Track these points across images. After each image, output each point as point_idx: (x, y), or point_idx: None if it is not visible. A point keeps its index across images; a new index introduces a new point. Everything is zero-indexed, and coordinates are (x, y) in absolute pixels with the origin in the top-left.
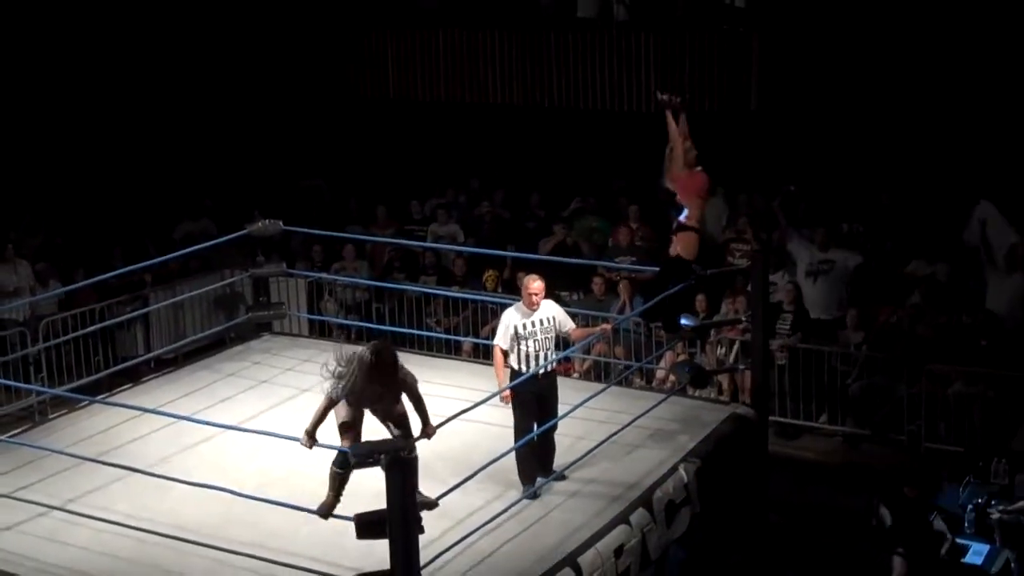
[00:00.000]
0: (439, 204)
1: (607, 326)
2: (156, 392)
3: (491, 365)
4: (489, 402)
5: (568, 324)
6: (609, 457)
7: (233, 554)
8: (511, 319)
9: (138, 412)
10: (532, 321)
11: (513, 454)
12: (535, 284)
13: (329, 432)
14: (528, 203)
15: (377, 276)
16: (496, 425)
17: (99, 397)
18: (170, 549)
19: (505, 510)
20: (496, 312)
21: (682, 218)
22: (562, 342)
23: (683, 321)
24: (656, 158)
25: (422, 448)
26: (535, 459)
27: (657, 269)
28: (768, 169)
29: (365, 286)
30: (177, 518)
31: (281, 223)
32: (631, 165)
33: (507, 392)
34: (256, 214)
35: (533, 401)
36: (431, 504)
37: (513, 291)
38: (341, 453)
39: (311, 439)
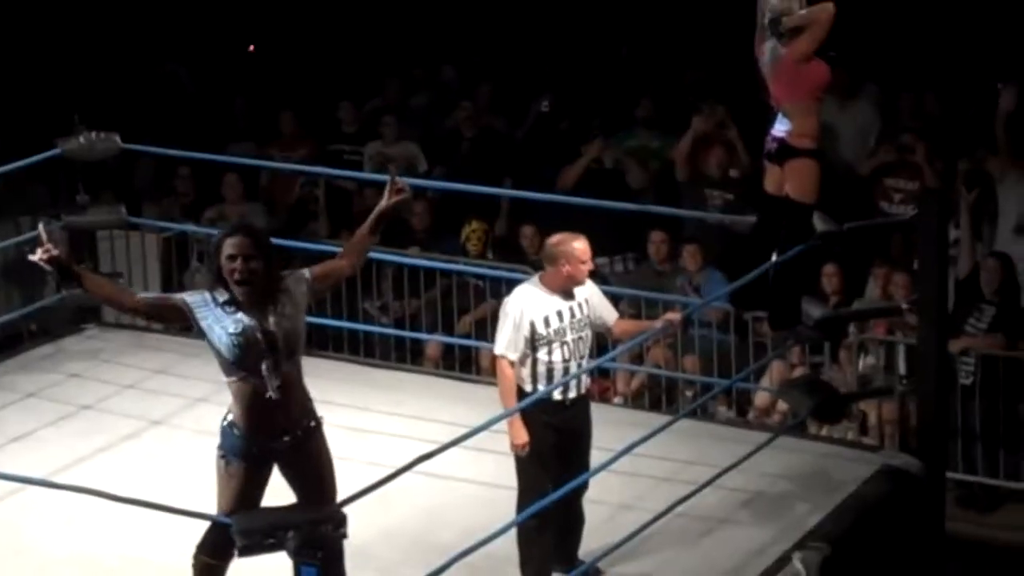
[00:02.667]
0: (384, 108)
1: (674, 316)
2: None
3: (470, 380)
4: (471, 444)
5: (608, 312)
6: (675, 540)
7: None
8: (525, 307)
9: None
10: (560, 310)
11: (513, 532)
12: (587, 247)
13: (197, 490)
14: (534, 106)
15: (281, 229)
16: (479, 483)
17: None
18: None
19: None
20: (482, 292)
21: (780, 132)
22: (595, 344)
23: (804, 312)
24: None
25: (357, 519)
26: (550, 541)
27: (754, 220)
28: (958, 52)
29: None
30: None
31: (118, 137)
32: (715, 47)
33: (523, 433)
34: (76, 122)
35: (554, 445)
36: None
37: (511, 256)
38: (213, 527)
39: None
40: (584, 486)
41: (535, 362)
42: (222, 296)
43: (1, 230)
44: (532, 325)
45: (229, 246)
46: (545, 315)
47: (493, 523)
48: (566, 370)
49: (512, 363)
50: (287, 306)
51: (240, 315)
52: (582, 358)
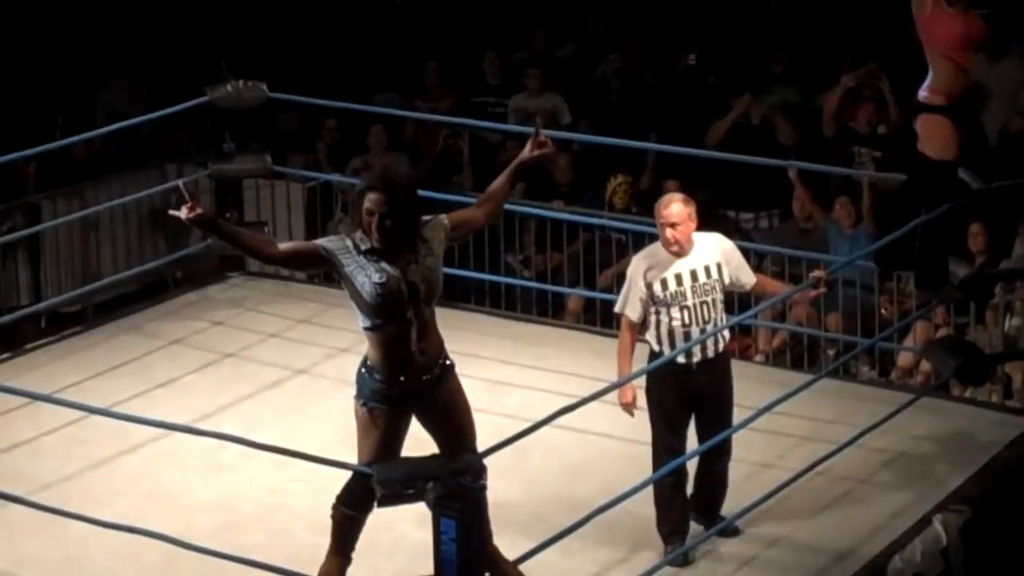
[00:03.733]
0: (528, 59)
1: (820, 273)
2: (50, 368)
3: (611, 335)
4: (611, 399)
5: (746, 275)
6: (814, 500)
7: None
8: (644, 269)
9: (21, 400)
10: (679, 273)
11: (650, 491)
12: (672, 209)
13: (338, 440)
14: (681, 60)
15: (425, 180)
16: (619, 439)
17: None
18: None
19: None
20: (624, 246)
21: (922, 91)
22: (736, 303)
23: (950, 271)
24: None
25: (496, 472)
26: (687, 500)
27: (904, 177)
28: None
29: None
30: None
31: (265, 86)
32: None
33: (628, 392)
34: (223, 70)
35: (683, 406)
36: (507, 573)
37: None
38: (354, 479)
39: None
40: (724, 448)
41: (658, 323)
42: (365, 244)
43: (147, 178)
44: (649, 287)
45: (369, 200)
46: (663, 277)
47: (632, 479)
48: (686, 335)
49: (633, 323)
50: (427, 255)
51: (383, 264)
52: (706, 323)
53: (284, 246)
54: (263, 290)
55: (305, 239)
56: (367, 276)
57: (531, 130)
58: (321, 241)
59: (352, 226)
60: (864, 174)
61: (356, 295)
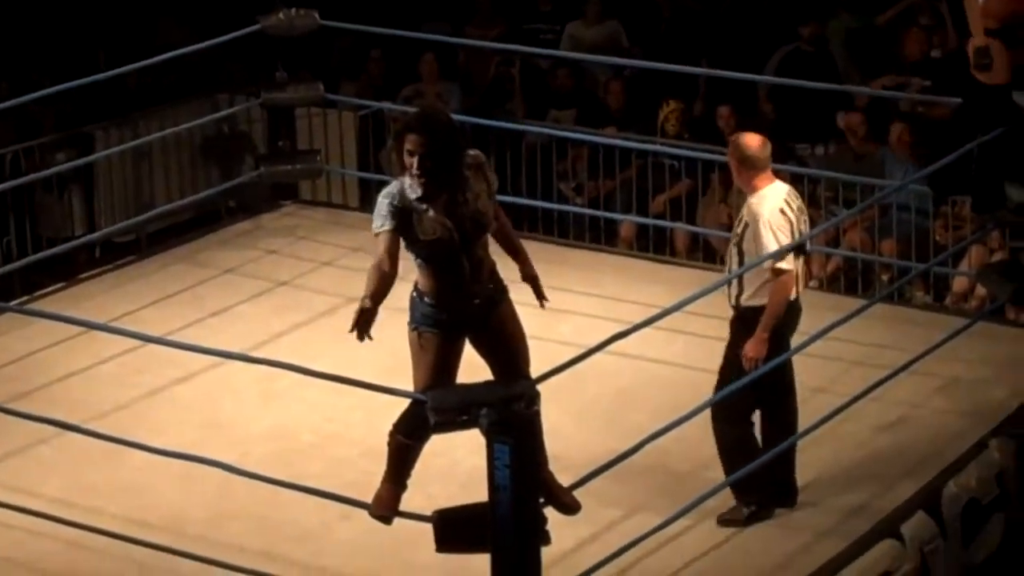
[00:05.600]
0: None
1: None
2: (104, 297)
3: (664, 261)
4: (663, 324)
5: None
6: (867, 425)
7: (229, 570)
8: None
9: (76, 329)
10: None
11: (702, 417)
12: (754, 137)
13: (393, 368)
14: None
15: (475, 107)
16: (672, 365)
17: (10, 304)
18: (125, 561)
19: (683, 514)
20: (677, 172)
21: None
22: None
23: (1007, 195)
24: None
25: (549, 398)
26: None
27: (959, 101)
28: None
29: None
30: (138, 506)
31: (316, 14)
32: None
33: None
34: None
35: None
36: (567, 503)
37: (707, 137)
38: (411, 408)
39: (366, 314)
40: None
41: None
42: (414, 192)
43: (199, 107)
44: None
45: (409, 141)
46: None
47: (685, 405)
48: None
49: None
50: (470, 190)
51: (431, 213)
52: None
53: (383, 257)
54: (316, 218)
55: (357, 167)
56: (419, 226)
57: (584, 57)
58: (386, 211)
59: (398, 166)
60: (918, 97)
61: (407, 237)
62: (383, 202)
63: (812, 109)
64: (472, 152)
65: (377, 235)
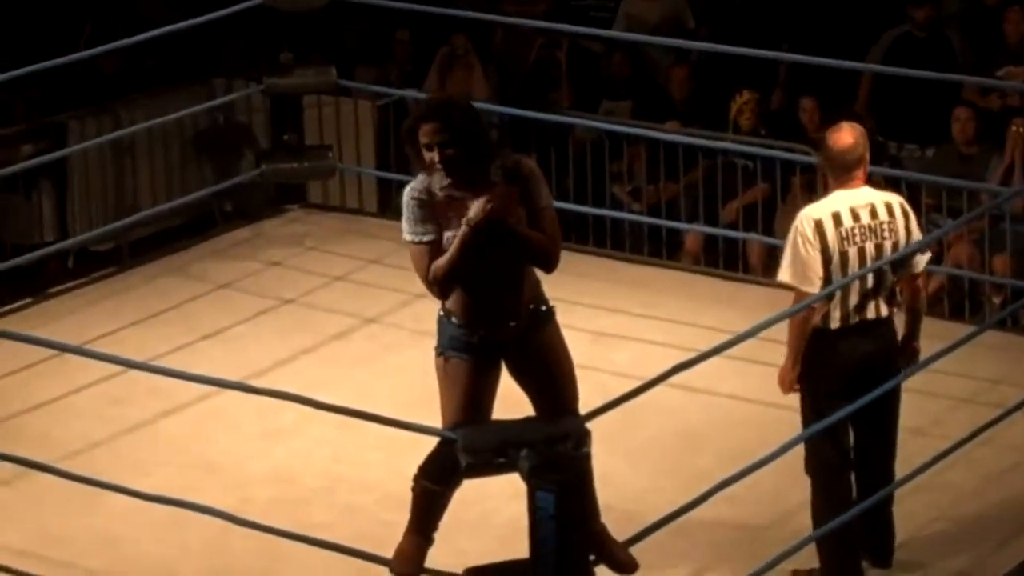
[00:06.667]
0: None
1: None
2: (79, 315)
3: (736, 278)
4: (736, 353)
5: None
6: (973, 472)
7: None
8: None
9: (46, 353)
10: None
11: (784, 461)
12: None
13: (416, 400)
14: None
15: (515, 96)
16: (745, 401)
17: None
18: None
19: None
20: (751, 175)
21: None
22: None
23: None
24: None
25: (600, 438)
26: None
27: None
28: None
29: (492, 118)
30: (117, 560)
31: None
32: None
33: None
34: None
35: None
36: (623, 560)
37: (787, 134)
38: (438, 448)
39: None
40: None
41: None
42: (441, 189)
43: (192, 93)
44: (823, 227)
45: (424, 134)
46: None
47: (759, 448)
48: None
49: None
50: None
51: (459, 214)
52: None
53: (423, 273)
54: (327, 225)
55: (376, 166)
56: (452, 229)
57: (643, 39)
58: (417, 213)
59: (420, 164)
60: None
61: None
62: (410, 202)
63: (924, 105)
64: (516, 158)
65: (412, 245)
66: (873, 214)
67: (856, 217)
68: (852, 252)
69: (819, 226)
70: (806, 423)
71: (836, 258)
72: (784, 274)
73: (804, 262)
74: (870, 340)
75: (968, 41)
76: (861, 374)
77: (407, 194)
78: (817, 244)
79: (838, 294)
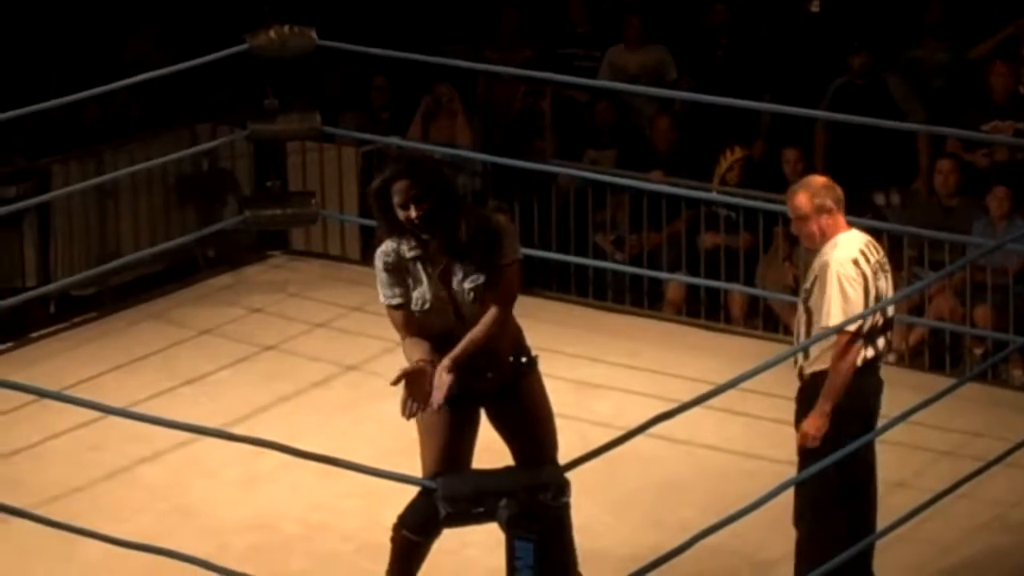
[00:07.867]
0: (625, 5)
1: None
2: (59, 360)
3: (717, 329)
4: (717, 404)
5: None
6: (954, 525)
7: None
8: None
9: (25, 398)
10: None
11: (766, 511)
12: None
13: (397, 449)
14: (803, 7)
15: (498, 145)
16: (728, 452)
17: None
18: None
19: None
20: (736, 225)
21: None
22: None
23: None
24: None
25: (580, 489)
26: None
27: None
28: None
29: (475, 167)
30: None
31: (314, 33)
32: None
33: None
34: (265, 13)
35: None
36: None
37: (769, 184)
38: (418, 497)
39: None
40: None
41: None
42: (410, 250)
43: (175, 139)
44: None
45: (397, 193)
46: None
47: (740, 499)
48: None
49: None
50: (477, 251)
51: (425, 279)
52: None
53: (402, 332)
54: (309, 271)
55: (359, 213)
56: (418, 291)
57: (628, 88)
58: (386, 278)
59: (386, 228)
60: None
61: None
62: (380, 266)
63: (874, 149)
64: (487, 214)
65: (387, 307)
66: (877, 250)
67: (876, 251)
68: (881, 287)
69: (857, 264)
70: (816, 460)
71: (873, 294)
72: (836, 319)
73: (854, 303)
74: (879, 376)
75: (909, 86)
76: (876, 410)
77: (377, 258)
78: (860, 283)
79: (868, 332)
